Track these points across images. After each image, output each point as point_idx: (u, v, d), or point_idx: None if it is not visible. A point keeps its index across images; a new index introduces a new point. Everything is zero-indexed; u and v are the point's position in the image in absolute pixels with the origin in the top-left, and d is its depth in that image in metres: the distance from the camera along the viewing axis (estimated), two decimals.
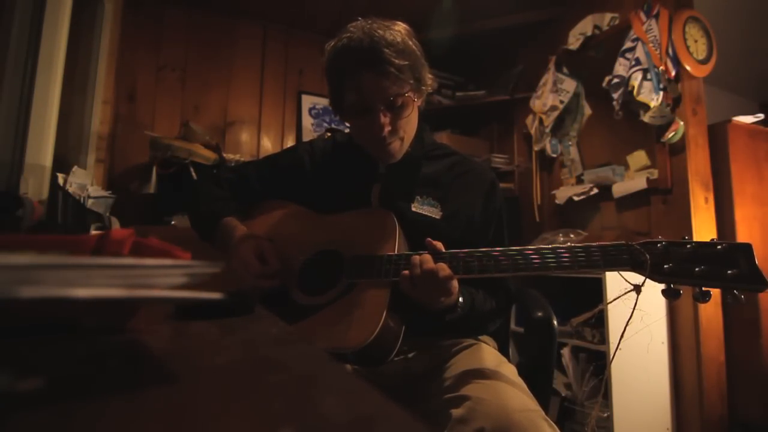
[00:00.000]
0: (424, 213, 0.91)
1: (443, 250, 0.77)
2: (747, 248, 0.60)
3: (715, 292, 0.62)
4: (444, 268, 0.73)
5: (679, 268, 0.63)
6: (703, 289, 0.62)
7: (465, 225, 0.92)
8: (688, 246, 0.64)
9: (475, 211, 0.94)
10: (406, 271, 0.75)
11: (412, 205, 0.91)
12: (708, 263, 0.61)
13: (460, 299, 0.82)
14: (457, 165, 0.98)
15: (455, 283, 0.76)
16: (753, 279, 0.58)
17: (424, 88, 0.90)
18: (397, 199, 0.91)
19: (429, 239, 0.78)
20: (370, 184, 0.95)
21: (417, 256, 0.76)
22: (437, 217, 0.91)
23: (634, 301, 0.66)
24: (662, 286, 0.65)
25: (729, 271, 0.60)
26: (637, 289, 0.66)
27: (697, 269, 0.61)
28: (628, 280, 0.67)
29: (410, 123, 0.91)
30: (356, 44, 0.83)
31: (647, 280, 0.65)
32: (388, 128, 0.86)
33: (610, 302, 0.72)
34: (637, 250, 0.66)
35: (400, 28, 0.87)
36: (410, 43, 0.86)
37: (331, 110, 0.96)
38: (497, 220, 0.97)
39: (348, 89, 0.86)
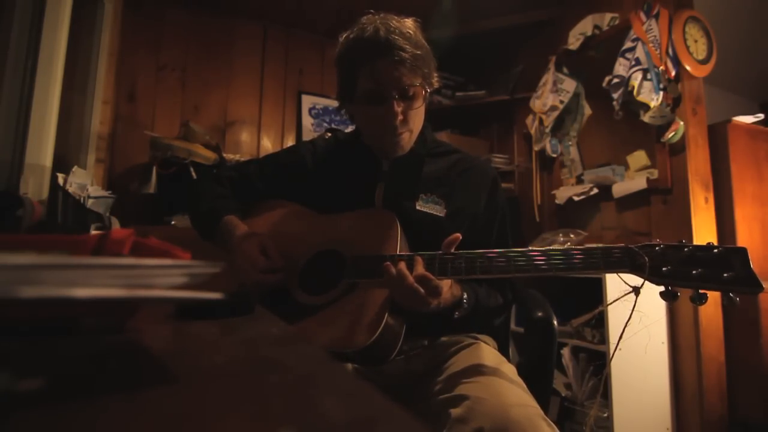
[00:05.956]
0: (428, 211, 0.91)
1: (452, 251, 0.76)
2: (742, 252, 0.61)
3: (714, 294, 0.63)
4: (406, 276, 0.71)
5: (677, 270, 0.63)
6: (700, 291, 0.63)
7: (469, 222, 0.93)
8: (686, 249, 0.64)
9: (479, 208, 0.95)
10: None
11: (417, 204, 0.91)
12: (705, 266, 0.62)
13: (465, 295, 0.82)
14: (459, 162, 0.99)
15: (443, 284, 0.74)
16: (748, 282, 0.59)
17: (433, 81, 0.91)
18: (402, 197, 0.92)
19: (447, 240, 0.76)
20: (373, 183, 0.95)
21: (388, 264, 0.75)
22: (441, 215, 0.91)
23: (633, 303, 0.66)
24: (660, 288, 0.65)
25: (725, 274, 0.60)
26: (636, 290, 0.66)
27: (694, 272, 0.62)
28: (627, 282, 0.67)
29: (419, 116, 0.92)
30: (372, 34, 0.85)
31: (646, 282, 0.65)
32: (400, 117, 0.87)
33: (610, 304, 0.72)
34: (636, 253, 0.66)
35: (411, 22, 0.89)
36: (421, 36, 0.89)
37: (339, 104, 0.97)
38: (501, 217, 0.97)
39: (362, 78, 0.87)
